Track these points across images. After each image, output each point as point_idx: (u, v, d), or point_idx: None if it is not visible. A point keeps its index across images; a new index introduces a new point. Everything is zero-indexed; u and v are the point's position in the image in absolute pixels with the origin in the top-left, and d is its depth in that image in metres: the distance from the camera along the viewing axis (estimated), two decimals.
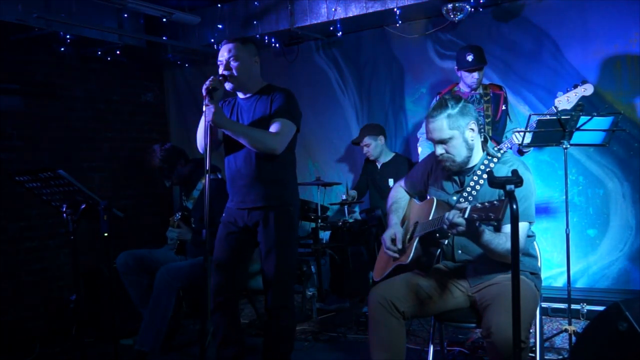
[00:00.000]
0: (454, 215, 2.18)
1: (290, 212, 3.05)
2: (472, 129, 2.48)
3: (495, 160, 2.52)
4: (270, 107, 2.97)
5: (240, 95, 3.09)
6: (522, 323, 1.92)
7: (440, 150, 2.49)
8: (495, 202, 2.06)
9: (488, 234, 2.31)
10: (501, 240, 2.34)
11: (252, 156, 2.97)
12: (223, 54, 2.97)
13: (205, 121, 2.76)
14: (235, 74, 2.94)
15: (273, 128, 2.91)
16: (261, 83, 3.10)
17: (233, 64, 2.94)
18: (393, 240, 2.67)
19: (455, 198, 2.56)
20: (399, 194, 2.90)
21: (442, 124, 2.44)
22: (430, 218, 2.49)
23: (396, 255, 2.65)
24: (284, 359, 3.11)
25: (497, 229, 2.44)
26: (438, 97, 4.09)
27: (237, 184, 3.04)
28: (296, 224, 3.17)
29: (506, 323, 2.02)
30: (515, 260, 1.86)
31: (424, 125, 4.22)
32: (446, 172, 2.61)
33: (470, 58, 3.87)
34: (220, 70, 2.96)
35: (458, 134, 2.45)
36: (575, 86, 3.45)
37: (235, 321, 3.18)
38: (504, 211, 2.02)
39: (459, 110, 2.45)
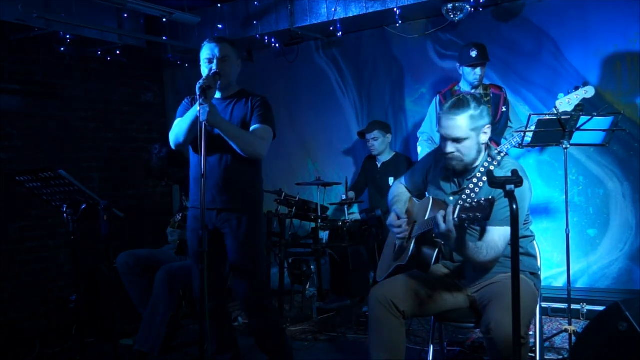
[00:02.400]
0: (446, 215, 2.19)
1: (259, 213, 3.04)
2: (486, 133, 2.46)
3: (495, 162, 2.51)
4: (250, 113, 2.95)
5: (217, 95, 3.03)
6: (521, 319, 1.92)
7: (451, 148, 2.45)
8: (482, 201, 2.06)
9: (469, 243, 2.32)
10: (481, 253, 2.34)
11: (228, 157, 2.93)
12: (213, 52, 2.92)
13: (199, 121, 2.71)
14: (224, 73, 2.92)
15: (258, 134, 2.92)
16: (236, 86, 3.08)
17: (224, 63, 2.92)
18: (397, 218, 2.66)
19: (452, 199, 2.55)
20: (399, 189, 2.90)
21: (463, 124, 2.40)
22: (426, 218, 2.49)
23: (404, 230, 2.64)
24: (281, 348, 3.11)
25: (482, 230, 2.43)
26: (438, 97, 4.09)
27: (208, 182, 2.90)
28: (264, 225, 3.17)
29: (506, 319, 2.03)
30: (515, 260, 1.86)
31: (424, 124, 4.28)
32: (446, 171, 2.61)
33: (474, 54, 3.88)
34: (211, 68, 2.91)
35: (474, 135, 2.43)
36: (577, 88, 3.44)
37: (227, 325, 3.18)
38: (490, 210, 2.03)
39: (480, 112, 2.42)
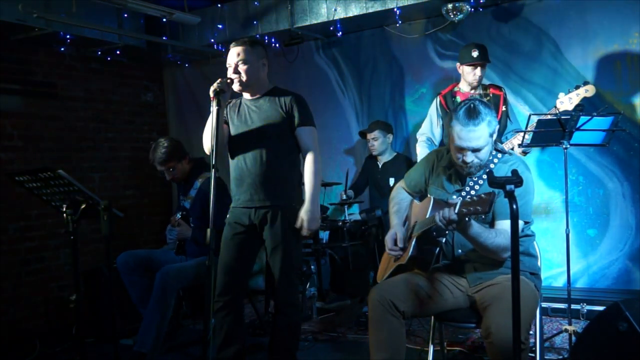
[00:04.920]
0: (448, 212, 2.19)
1: (297, 210, 3.08)
2: (496, 133, 2.48)
3: (499, 156, 2.52)
4: (285, 112, 3.04)
5: (247, 96, 3.13)
6: (522, 324, 1.92)
7: (471, 157, 2.43)
8: (482, 195, 2.08)
9: (477, 227, 2.32)
10: (490, 234, 2.35)
11: (262, 156, 3.02)
12: (232, 57, 3.01)
13: (213, 123, 2.79)
14: (244, 77, 3.00)
15: (304, 137, 3.06)
16: (268, 85, 3.15)
17: (242, 67, 2.99)
18: (395, 241, 2.68)
19: (454, 197, 2.55)
20: (400, 194, 2.90)
21: (484, 133, 2.39)
22: (427, 216, 2.49)
23: (399, 254, 2.66)
24: (290, 355, 3.13)
25: (491, 225, 2.44)
26: (439, 98, 4.09)
27: (245, 182, 3.07)
28: None
29: (506, 324, 2.02)
30: (515, 261, 1.86)
31: (423, 125, 4.27)
32: (448, 170, 2.62)
33: (475, 54, 3.87)
34: (229, 73, 3.00)
35: (491, 140, 2.46)
36: (577, 87, 3.44)
37: (239, 320, 3.20)
38: (490, 204, 2.04)
39: (492, 115, 2.43)
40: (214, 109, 2.78)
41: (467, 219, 2.22)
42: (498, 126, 2.51)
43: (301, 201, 3.12)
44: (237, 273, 3.09)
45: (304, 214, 3.01)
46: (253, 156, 3.04)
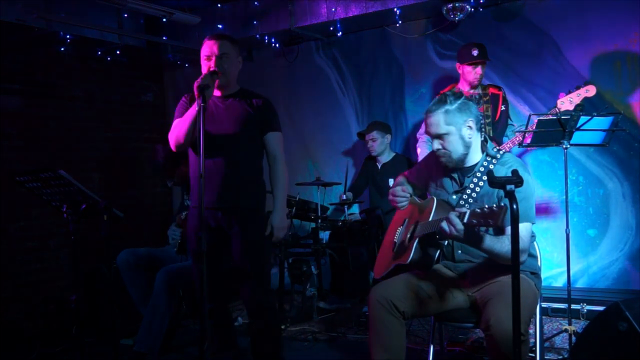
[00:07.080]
0: (456, 221, 2.17)
1: (263, 215, 3.02)
2: (470, 127, 2.47)
3: (494, 161, 2.52)
4: (258, 115, 2.96)
5: (216, 93, 3.00)
6: (522, 316, 1.92)
7: (436, 145, 2.51)
8: (494, 207, 2.04)
9: (489, 240, 2.31)
10: (504, 243, 2.32)
11: (231, 155, 2.91)
12: (212, 50, 2.88)
13: (198, 121, 2.66)
14: (225, 72, 2.89)
15: (273, 142, 3.01)
16: (236, 85, 3.06)
17: (223, 61, 2.89)
18: (402, 190, 2.74)
19: (455, 197, 2.56)
20: (401, 180, 2.93)
21: (439, 119, 2.46)
22: (430, 219, 2.48)
23: (405, 196, 2.73)
24: (275, 357, 3.10)
25: (500, 232, 2.43)
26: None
27: (212, 181, 2.90)
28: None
29: (505, 316, 2.03)
30: (515, 261, 1.86)
31: (423, 125, 4.27)
32: (446, 170, 2.62)
33: (475, 52, 3.88)
34: (210, 66, 2.87)
35: (454, 130, 2.46)
36: (578, 87, 3.44)
37: (227, 325, 3.17)
38: (502, 217, 2.01)
39: (458, 106, 2.46)
40: (198, 106, 2.60)
41: (476, 230, 2.21)
42: (472, 120, 2.45)
43: (265, 204, 3.06)
44: (213, 281, 2.96)
45: (273, 221, 2.94)
46: (221, 155, 2.90)
